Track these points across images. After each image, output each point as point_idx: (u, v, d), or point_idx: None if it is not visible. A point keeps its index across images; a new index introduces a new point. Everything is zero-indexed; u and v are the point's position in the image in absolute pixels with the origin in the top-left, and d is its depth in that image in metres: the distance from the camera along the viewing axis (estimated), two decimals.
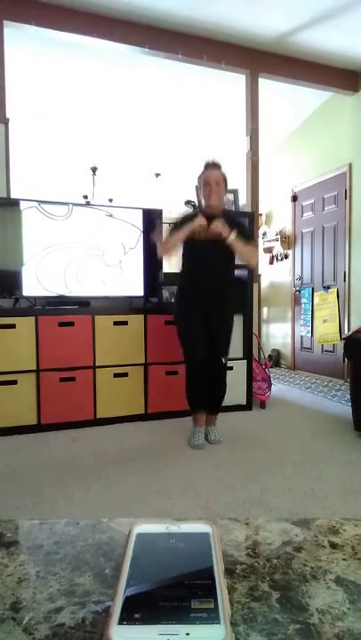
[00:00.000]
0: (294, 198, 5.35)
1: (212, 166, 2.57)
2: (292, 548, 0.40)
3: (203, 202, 2.61)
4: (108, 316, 3.10)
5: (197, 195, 2.67)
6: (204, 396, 2.66)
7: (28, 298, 3.07)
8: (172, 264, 2.94)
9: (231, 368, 3.25)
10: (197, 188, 2.69)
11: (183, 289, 2.66)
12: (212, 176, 2.52)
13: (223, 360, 2.61)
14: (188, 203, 3.66)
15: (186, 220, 2.55)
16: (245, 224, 2.86)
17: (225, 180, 2.57)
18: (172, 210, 4.34)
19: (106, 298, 3.25)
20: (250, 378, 3.46)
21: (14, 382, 2.88)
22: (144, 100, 4.53)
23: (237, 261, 2.64)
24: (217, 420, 2.76)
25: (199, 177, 2.61)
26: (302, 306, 5.14)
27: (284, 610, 0.31)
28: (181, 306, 2.66)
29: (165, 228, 2.81)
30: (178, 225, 2.55)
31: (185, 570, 0.32)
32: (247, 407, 3.44)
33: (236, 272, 3.44)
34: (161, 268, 3.30)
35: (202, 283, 2.56)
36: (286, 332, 5.57)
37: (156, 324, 3.20)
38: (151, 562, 0.33)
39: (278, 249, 5.65)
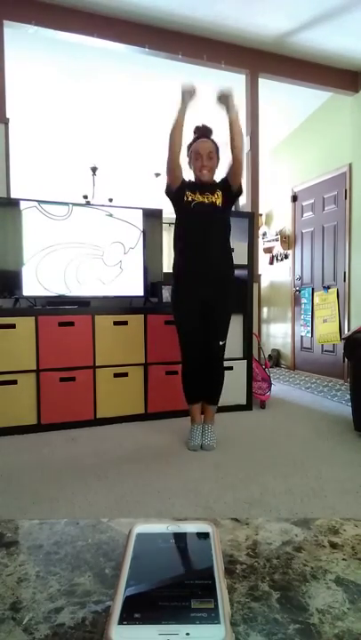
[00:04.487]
0: (294, 198, 5.35)
1: (203, 135, 2.40)
2: (292, 547, 0.40)
3: (193, 174, 2.46)
4: (108, 315, 3.10)
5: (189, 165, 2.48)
6: (200, 386, 2.55)
7: (28, 298, 3.07)
8: (170, 265, 2.90)
9: (231, 368, 3.26)
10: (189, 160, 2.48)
11: (177, 268, 2.48)
12: (203, 148, 2.36)
13: (221, 342, 2.45)
14: None
15: (183, 181, 2.43)
16: None
17: (217, 151, 2.41)
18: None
19: (106, 298, 3.25)
20: (250, 378, 3.46)
21: (14, 382, 2.88)
22: (144, 99, 4.53)
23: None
24: (215, 419, 2.63)
25: (189, 146, 2.43)
26: (302, 306, 5.14)
27: (284, 610, 0.31)
28: (176, 289, 2.50)
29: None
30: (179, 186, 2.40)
31: (185, 570, 0.32)
32: (247, 407, 3.44)
33: (236, 272, 3.46)
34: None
35: (196, 256, 2.40)
36: (286, 332, 5.57)
37: (156, 323, 3.19)
38: (151, 562, 0.33)
39: (278, 249, 5.65)
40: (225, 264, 2.47)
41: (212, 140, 2.43)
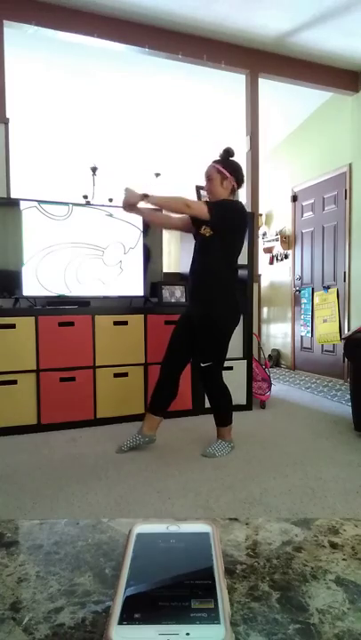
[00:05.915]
0: (294, 198, 5.35)
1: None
2: (292, 547, 0.40)
3: None
4: (108, 315, 3.10)
5: None
6: (161, 400, 2.56)
7: (28, 298, 3.07)
8: (170, 265, 2.92)
9: (231, 368, 3.26)
10: None
11: None
12: (205, 172, 2.49)
13: (202, 365, 2.48)
14: None
15: None
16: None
17: (217, 171, 2.43)
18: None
19: (106, 298, 3.25)
20: (250, 378, 3.46)
21: (14, 382, 2.87)
22: (144, 99, 4.53)
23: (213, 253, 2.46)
24: (222, 432, 2.54)
25: None
26: (302, 306, 5.14)
27: (284, 610, 0.31)
28: None
29: None
30: None
31: (185, 570, 0.32)
32: (247, 407, 3.44)
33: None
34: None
35: (189, 285, 2.60)
36: (286, 332, 5.57)
37: (156, 323, 3.19)
38: (151, 562, 0.33)
39: (278, 249, 5.65)
40: (202, 290, 2.48)
41: (216, 162, 2.46)
